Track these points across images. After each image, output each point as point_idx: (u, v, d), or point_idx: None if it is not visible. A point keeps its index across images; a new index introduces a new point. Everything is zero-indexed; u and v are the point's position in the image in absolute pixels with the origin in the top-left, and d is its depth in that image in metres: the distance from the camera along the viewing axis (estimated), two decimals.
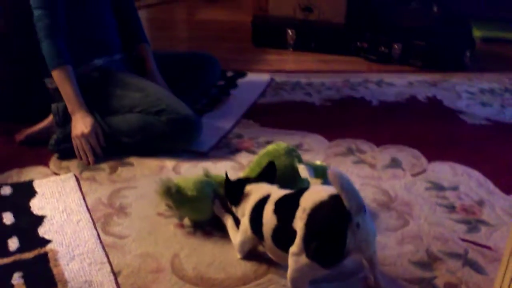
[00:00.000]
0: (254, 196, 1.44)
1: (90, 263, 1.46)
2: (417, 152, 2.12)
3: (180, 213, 1.65)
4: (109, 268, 1.44)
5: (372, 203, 1.76)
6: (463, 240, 1.59)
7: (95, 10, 2.21)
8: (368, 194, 1.81)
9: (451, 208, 1.75)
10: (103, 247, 1.53)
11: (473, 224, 1.67)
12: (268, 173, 1.53)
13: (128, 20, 2.40)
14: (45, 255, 1.49)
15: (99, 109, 2.09)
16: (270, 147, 1.75)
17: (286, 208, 1.29)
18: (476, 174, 1.96)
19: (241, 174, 1.78)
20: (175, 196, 1.60)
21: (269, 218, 1.34)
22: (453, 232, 1.63)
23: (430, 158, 2.07)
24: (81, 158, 2.00)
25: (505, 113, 2.57)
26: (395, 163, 2.03)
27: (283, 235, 1.27)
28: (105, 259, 1.47)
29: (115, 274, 1.42)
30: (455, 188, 1.87)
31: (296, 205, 1.24)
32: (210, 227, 1.63)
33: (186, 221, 1.66)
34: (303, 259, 1.19)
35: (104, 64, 2.20)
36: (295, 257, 1.21)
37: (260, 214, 1.37)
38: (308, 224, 1.19)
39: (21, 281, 1.39)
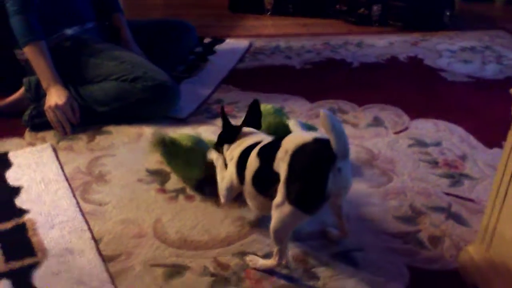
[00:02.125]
0: (246, 142, 1.40)
1: (70, 231, 1.43)
2: (399, 110, 2.11)
3: (172, 168, 1.63)
4: (89, 235, 1.41)
5: (356, 161, 1.75)
6: (447, 194, 1.59)
7: None
8: (351, 153, 1.78)
9: (434, 163, 1.75)
10: (83, 215, 1.50)
11: (456, 178, 1.67)
12: (253, 112, 1.49)
13: None
14: (23, 225, 1.45)
15: (73, 79, 2.04)
16: None
17: (269, 150, 1.26)
18: (458, 129, 1.96)
19: None
20: (169, 148, 1.57)
21: (252, 161, 1.31)
22: (436, 186, 1.63)
23: (413, 116, 2.06)
24: (57, 130, 1.95)
25: (486, 69, 2.56)
26: (377, 122, 2.02)
27: (263, 177, 1.25)
28: (85, 227, 1.44)
29: (96, 241, 1.40)
30: (437, 144, 1.86)
31: (279, 147, 1.22)
32: (193, 191, 1.60)
33: (168, 185, 1.63)
34: (286, 207, 1.16)
35: (76, 33, 2.14)
36: (278, 208, 1.18)
37: (246, 158, 1.33)
38: (291, 166, 1.15)
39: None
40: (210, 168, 1.54)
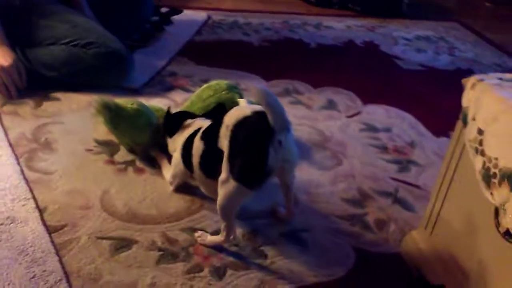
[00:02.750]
0: (188, 131, 1.41)
1: (13, 199, 1.37)
2: (353, 94, 2.13)
3: (118, 134, 1.61)
4: (33, 204, 1.37)
5: (308, 143, 1.76)
6: (394, 179, 1.63)
7: None
8: (303, 134, 1.81)
9: (384, 148, 1.78)
10: (27, 183, 1.44)
11: (404, 164, 1.71)
12: (215, 114, 1.46)
13: None
14: None
15: (20, 40, 1.94)
16: (212, 82, 1.72)
17: (212, 130, 1.26)
18: (408, 117, 2.00)
19: (180, 108, 1.73)
20: (114, 112, 1.55)
21: (197, 145, 1.31)
22: (384, 171, 1.66)
23: (365, 100, 2.09)
24: (1, 93, 1.86)
25: (439, 59, 2.62)
26: (331, 105, 2.04)
27: (210, 158, 1.25)
28: (29, 195, 1.40)
29: (41, 210, 1.35)
30: (388, 130, 1.90)
31: (220, 123, 1.21)
32: (142, 164, 1.57)
33: (117, 157, 1.60)
34: (231, 183, 1.16)
35: None
36: (223, 184, 1.18)
37: (191, 146, 1.33)
38: (232, 141, 1.16)
39: None
40: (156, 133, 1.56)
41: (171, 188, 1.47)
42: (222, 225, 1.24)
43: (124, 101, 1.61)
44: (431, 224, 1.22)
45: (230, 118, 1.19)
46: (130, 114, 1.56)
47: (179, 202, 1.44)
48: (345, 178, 1.61)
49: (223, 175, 1.18)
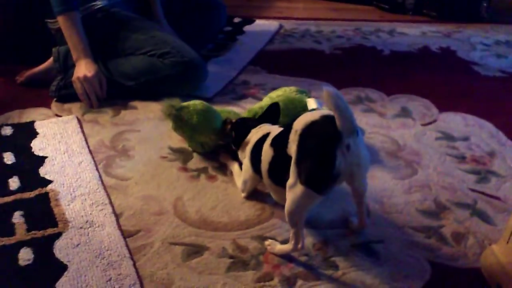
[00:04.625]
0: (255, 137, 1.43)
1: (92, 204, 1.43)
2: (428, 102, 2.06)
3: (186, 137, 1.67)
4: (110, 209, 1.42)
5: (381, 151, 1.72)
6: (472, 190, 1.56)
7: None
8: (376, 143, 1.76)
9: (461, 158, 1.71)
10: (105, 189, 1.50)
11: (483, 174, 1.63)
12: (271, 114, 1.52)
13: None
14: (46, 194, 1.46)
15: (101, 51, 2.04)
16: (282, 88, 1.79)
17: (281, 137, 1.27)
18: (488, 125, 1.91)
19: (249, 109, 1.79)
20: (178, 115, 1.63)
21: (266, 152, 1.32)
22: (462, 182, 1.59)
23: (441, 108, 2.01)
24: (84, 101, 1.96)
25: None
26: (405, 113, 1.98)
27: (280, 165, 1.25)
28: (107, 201, 1.45)
29: (117, 216, 1.40)
30: (466, 139, 1.82)
31: (290, 130, 1.21)
32: (214, 171, 1.60)
33: (190, 164, 1.63)
34: (298, 187, 1.16)
35: (107, 5, 2.13)
36: (291, 189, 1.18)
37: (260, 151, 1.35)
38: (300, 145, 1.16)
39: (22, 219, 1.37)
40: (223, 134, 1.60)
41: (242, 195, 1.48)
42: (291, 233, 1.24)
43: (191, 104, 1.66)
44: None
45: (299, 123, 1.19)
46: (192, 116, 1.61)
47: (250, 209, 1.44)
48: (420, 188, 1.55)
49: (291, 179, 1.18)
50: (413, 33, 2.85)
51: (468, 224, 1.41)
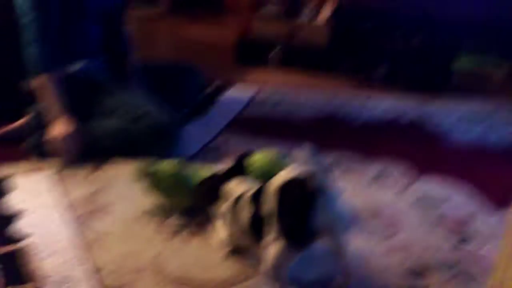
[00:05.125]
0: (231, 194, 1.44)
1: (70, 259, 1.40)
2: (404, 167, 2.12)
3: (164, 197, 1.66)
4: (90, 265, 1.39)
5: (360, 214, 1.75)
6: (455, 250, 1.58)
7: (78, 21, 2.16)
8: (355, 205, 1.80)
9: (441, 219, 1.74)
10: (84, 244, 1.48)
11: (465, 235, 1.66)
12: (238, 167, 1.55)
13: (114, 32, 2.37)
14: (23, 249, 1.43)
15: (76, 113, 2.04)
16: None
17: (259, 194, 1.31)
18: (466, 188, 1.96)
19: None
20: (152, 177, 1.65)
21: (245, 208, 1.35)
22: (444, 242, 1.62)
23: (418, 173, 2.06)
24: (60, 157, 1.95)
25: (491, 135, 2.59)
26: (383, 176, 2.03)
27: (257, 223, 1.29)
28: (86, 256, 1.42)
29: (96, 271, 1.37)
30: (445, 201, 1.87)
31: (266, 188, 1.28)
32: (195, 227, 1.59)
33: (170, 221, 1.62)
34: (278, 243, 1.20)
35: (83, 68, 2.16)
36: (271, 245, 1.22)
37: (236, 209, 1.39)
38: (279, 203, 1.22)
39: (0, 273, 1.32)
40: (197, 196, 1.60)
41: (224, 251, 1.47)
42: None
43: (162, 166, 1.68)
44: None
45: (275, 183, 1.25)
46: (164, 180, 1.64)
47: (233, 267, 1.43)
48: (401, 249, 1.58)
49: (272, 235, 1.22)
50: (385, 104, 2.94)
51: (453, 284, 1.43)
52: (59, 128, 1.94)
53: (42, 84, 1.97)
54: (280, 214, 1.21)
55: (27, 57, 1.96)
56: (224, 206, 1.46)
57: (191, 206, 1.66)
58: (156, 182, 1.65)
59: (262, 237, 1.27)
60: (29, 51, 1.96)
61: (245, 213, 1.34)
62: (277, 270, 1.22)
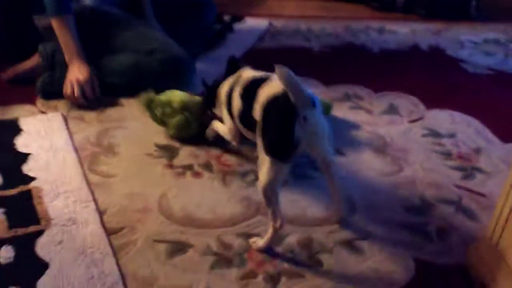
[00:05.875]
0: (225, 87, 1.50)
1: (75, 201, 1.42)
2: (415, 99, 2.06)
3: (167, 121, 1.70)
4: (94, 207, 1.40)
5: (367, 148, 1.72)
6: (458, 187, 1.56)
7: None
8: (363, 139, 1.76)
9: (447, 155, 1.71)
10: (89, 186, 1.49)
11: (469, 171, 1.63)
12: (232, 67, 1.57)
13: None
14: (28, 192, 1.45)
15: (91, 49, 2.02)
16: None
17: (249, 95, 1.35)
18: (475, 122, 1.91)
19: None
20: (154, 107, 1.71)
21: (236, 101, 1.43)
22: (448, 178, 1.59)
23: (429, 105, 2.01)
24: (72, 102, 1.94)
25: (508, 63, 2.50)
26: (392, 110, 1.98)
27: (248, 119, 1.36)
28: (90, 198, 1.44)
29: (101, 213, 1.39)
30: (452, 136, 1.82)
31: (255, 96, 1.31)
32: (200, 168, 1.59)
33: (176, 161, 1.62)
34: (266, 159, 1.22)
35: (96, 4, 2.11)
36: (260, 164, 1.24)
37: (231, 95, 1.45)
38: (263, 120, 1.26)
39: (3, 217, 1.35)
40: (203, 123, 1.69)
41: (233, 144, 1.57)
42: (269, 214, 1.24)
43: (170, 95, 1.72)
44: (497, 235, 1.15)
45: (263, 96, 1.28)
46: (166, 109, 1.70)
47: (236, 206, 1.43)
48: (405, 185, 1.55)
49: (260, 155, 1.25)
50: (403, 32, 2.85)
51: (453, 221, 1.41)
52: (76, 72, 1.92)
53: (58, 26, 1.93)
54: (265, 131, 1.24)
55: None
56: (222, 96, 1.52)
57: (195, 129, 1.71)
58: (152, 109, 1.72)
59: (250, 127, 1.36)
60: None
61: (237, 104, 1.41)
62: (268, 192, 1.23)
